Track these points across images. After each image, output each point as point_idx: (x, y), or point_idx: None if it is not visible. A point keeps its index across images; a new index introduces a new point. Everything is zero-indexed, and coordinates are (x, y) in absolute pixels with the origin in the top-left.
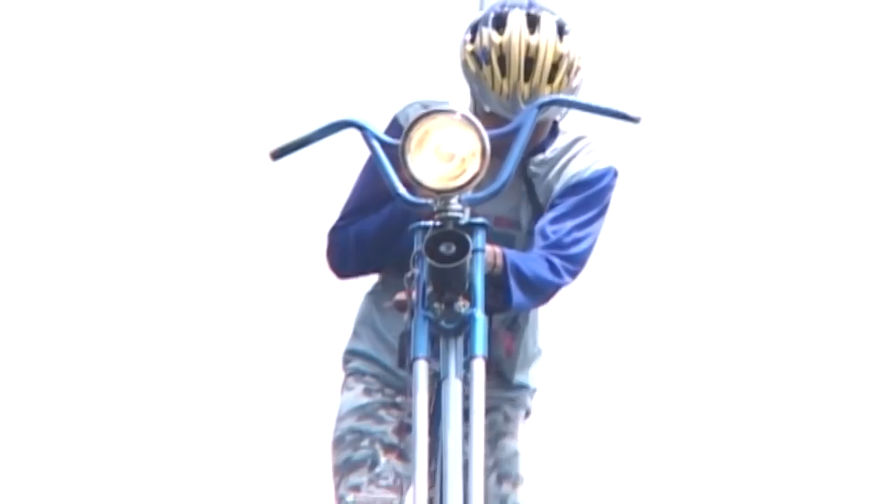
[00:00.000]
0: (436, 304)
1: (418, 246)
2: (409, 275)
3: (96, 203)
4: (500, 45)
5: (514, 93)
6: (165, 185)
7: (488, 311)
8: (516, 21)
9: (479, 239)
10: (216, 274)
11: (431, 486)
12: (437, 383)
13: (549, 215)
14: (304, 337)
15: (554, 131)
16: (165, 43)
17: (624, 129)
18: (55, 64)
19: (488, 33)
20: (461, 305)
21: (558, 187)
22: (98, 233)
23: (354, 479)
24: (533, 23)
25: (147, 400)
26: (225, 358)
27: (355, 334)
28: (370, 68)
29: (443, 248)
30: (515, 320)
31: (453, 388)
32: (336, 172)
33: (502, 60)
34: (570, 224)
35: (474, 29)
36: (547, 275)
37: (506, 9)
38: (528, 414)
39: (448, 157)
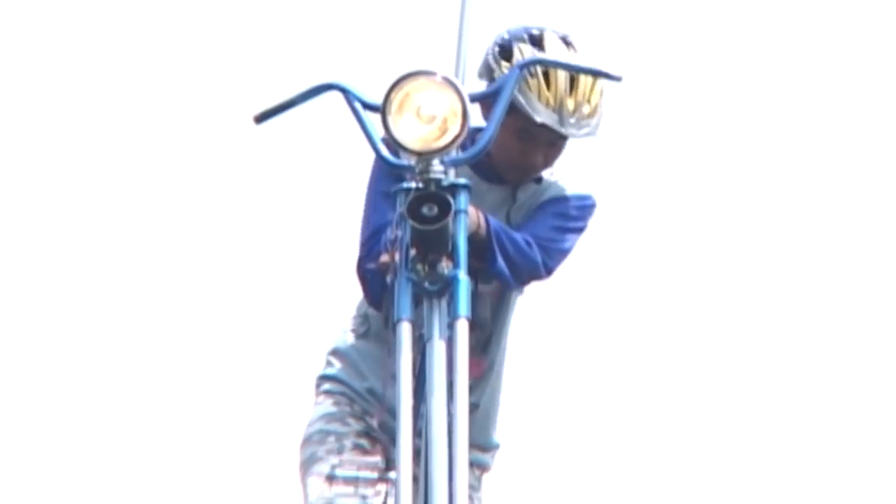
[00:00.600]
0: (419, 266)
1: (401, 208)
2: (391, 236)
3: (75, 170)
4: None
5: (561, 106)
6: (149, 149)
7: (471, 273)
8: (553, 40)
9: (461, 200)
10: (201, 241)
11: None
12: (420, 345)
13: (529, 220)
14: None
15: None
16: (149, 8)
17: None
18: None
19: (530, 49)
20: (444, 267)
21: (539, 202)
22: (78, 205)
23: (319, 467)
24: (567, 45)
25: (133, 382)
26: (216, 341)
27: (328, 363)
28: (354, 31)
29: (425, 210)
30: (489, 343)
31: (437, 349)
32: (319, 137)
33: (547, 74)
34: (550, 224)
35: (506, 49)
36: (527, 250)
37: (535, 31)
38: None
39: (429, 119)
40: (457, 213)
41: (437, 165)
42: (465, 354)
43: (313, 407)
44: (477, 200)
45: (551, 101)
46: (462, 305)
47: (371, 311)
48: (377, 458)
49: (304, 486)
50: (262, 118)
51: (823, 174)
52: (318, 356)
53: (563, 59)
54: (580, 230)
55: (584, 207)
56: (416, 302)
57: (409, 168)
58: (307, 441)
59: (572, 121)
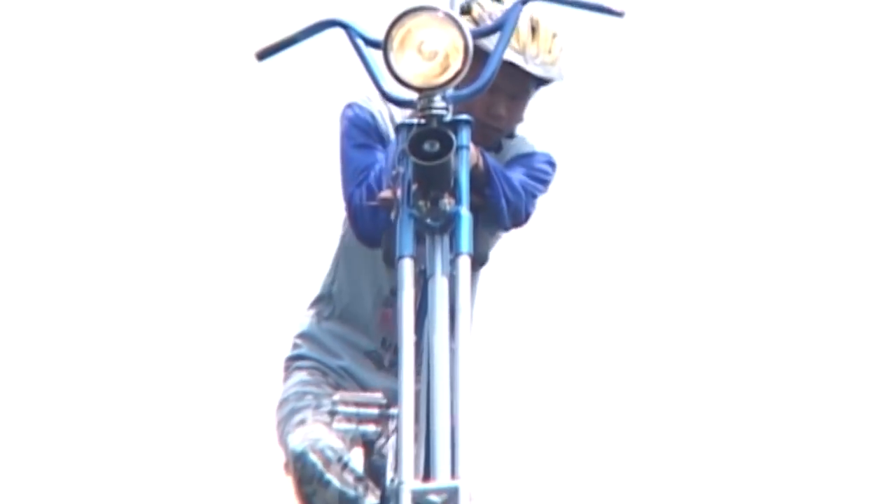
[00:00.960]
0: (421, 202)
1: (402, 144)
2: (394, 173)
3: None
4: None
5: (525, 49)
6: (151, 90)
7: (472, 209)
8: None
9: (463, 136)
10: (202, 187)
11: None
12: (422, 281)
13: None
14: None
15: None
16: None
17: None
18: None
19: (489, 4)
20: (446, 203)
21: (507, 160)
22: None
23: (299, 416)
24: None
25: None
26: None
27: (295, 346)
28: None
29: (427, 146)
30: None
31: (439, 285)
32: (321, 74)
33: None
34: (526, 172)
35: (466, 9)
36: (519, 189)
37: None
38: None
39: (431, 55)
40: (459, 149)
41: (438, 102)
42: (466, 290)
43: (283, 384)
44: None
45: (515, 44)
46: (464, 242)
47: (336, 289)
48: (378, 395)
49: (284, 439)
50: (263, 55)
51: (823, 172)
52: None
53: None
54: (547, 184)
55: (551, 164)
56: (418, 238)
57: (412, 104)
58: (284, 401)
59: (537, 61)
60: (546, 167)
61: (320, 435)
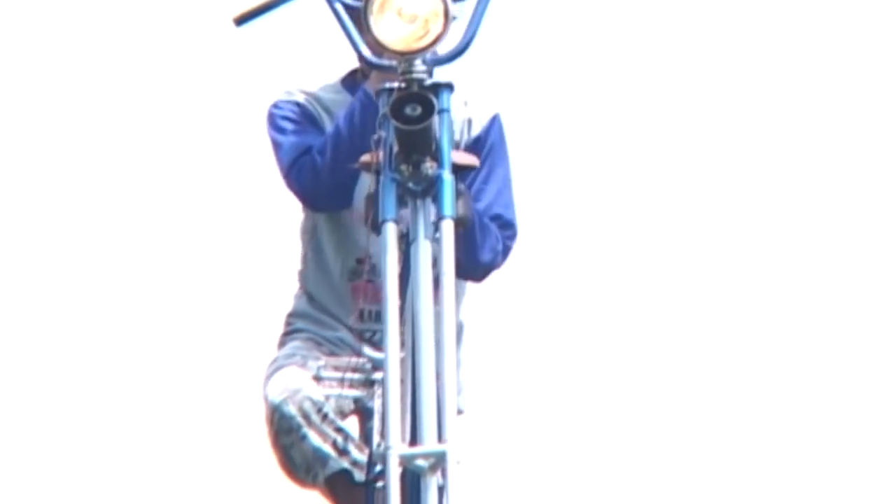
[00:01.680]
0: (403, 166)
1: (384, 108)
2: (375, 137)
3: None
4: None
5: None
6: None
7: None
8: None
9: (444, 100)
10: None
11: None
12: (405, 245)
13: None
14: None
15: None
16: None
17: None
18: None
19: None
20: (428, 167)
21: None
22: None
23: (283, 369)
24: None
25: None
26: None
27: (287, 324)
28: None
29: (408, 110)
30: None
31: (423, 249)
32: (299, 40)
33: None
34: (501, 191)
35: None
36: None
37: None
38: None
39: (411, 19)
40: (440, 112)
41: (419, 65)
42: (451, 254)
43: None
44: None
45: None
46: (447, 205)
47: (307, 273)
48: (363, 360)
49: (264, 390)
50: (241, 20)
51: (822, 170)
52: None
53: None
54: (506, 157)
55: (502, 128)
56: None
57: (392, 68)
58: (273, 361)
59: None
60: (499, 145)
61: (300, 385)
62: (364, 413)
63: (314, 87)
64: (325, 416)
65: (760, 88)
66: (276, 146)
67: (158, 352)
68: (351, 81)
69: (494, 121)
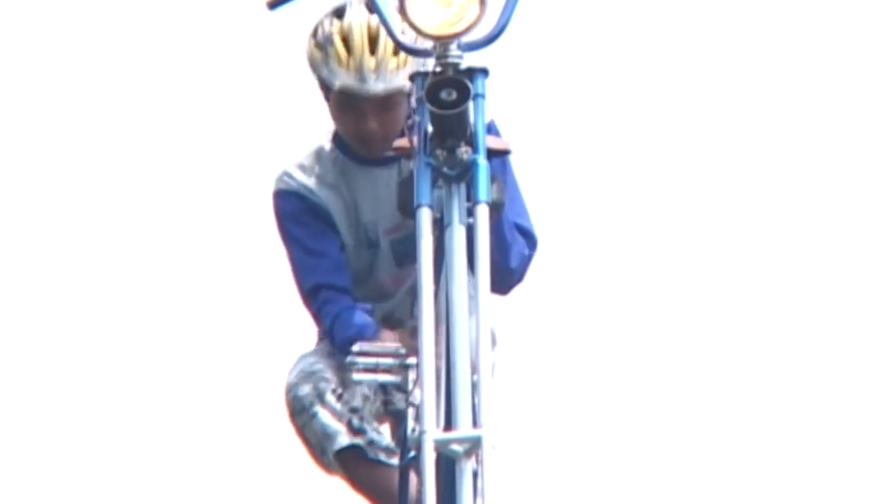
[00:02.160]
0: (438, 151)
1: (419, 93)
2: (409, 122)
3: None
4: (342, 27)
5: (361, 65)
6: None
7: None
8: (355, 7)
9: (479, 84)
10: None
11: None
12: (439, 230)
13: None
14: None
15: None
16: None
17: None
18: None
19: (329, 22)
20: (463, 151)
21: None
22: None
23: (308, 357)
24: (371, 9)
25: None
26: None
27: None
28: None
29: (443, 95)
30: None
31: (457, 234)
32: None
33: (346, 40)
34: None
35: (315, 28)
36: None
37: (343, 4)
38: None
39: (446, 3)
40: (475, 97)
41: (454, 50)
42: (485, 239)
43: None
44: (360, 186)
45: (350, 63)
46: (482, 190)
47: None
48: (397, 345)
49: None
50: (274, 4)
51: (822, 169)
52: None
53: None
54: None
55: (499, 135)
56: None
57: (427, 53)
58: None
59: (373, 76)
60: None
61: (317, 368)
62: (395, 417)
63: (309, 157)
64: (339, 396)
65: (768, 90)
66: (290, 260)
67: (159, 352)
68: (341, 139)
69: (490, 128)
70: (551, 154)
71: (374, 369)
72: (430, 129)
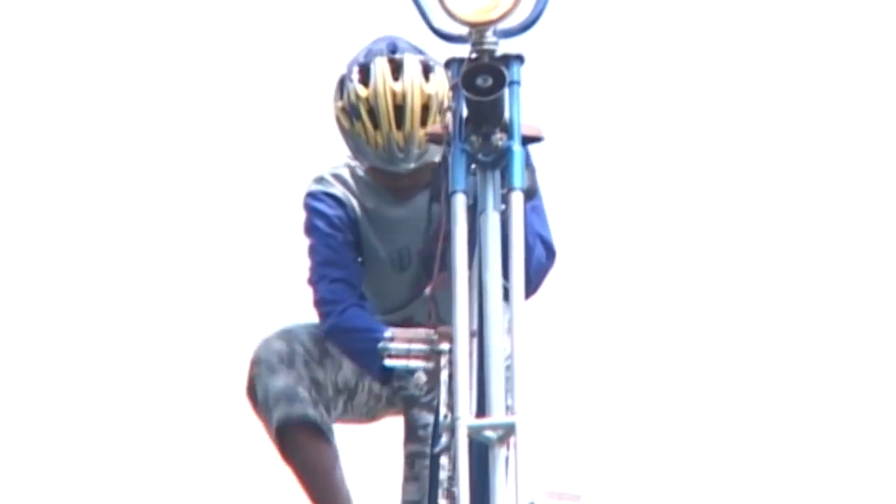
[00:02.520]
0: (473, 138)
1: (455, 79)
2: (445, 107)
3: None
4: (368, 99)
5: (389, 143)
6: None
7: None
8: (380, 71)
9: (515, 71)
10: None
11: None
12: (473, 217)
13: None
14: None
15: None
16: None
17: None
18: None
19: (354, 88)
20: (498, 138)
21: None
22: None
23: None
24: (396, 69)
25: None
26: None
27: None
28: None
29: (479, 81)
30: None
31: (491, 220)
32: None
33: (372, 113)
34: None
35: (341, 85)
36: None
37: (368, 58)
38: None
39: None
40: (511, 84)
41: (490, 37)
42: (520, 226)
43: None
44: (396, 213)
45: (379, 140)
46: (516, 177)
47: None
48: (430, 331)
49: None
50: None
51: (822, 168)
52: None
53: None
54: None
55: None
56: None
57: (463, 40)
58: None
59: (401, 155)
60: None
61: (297, 331)
62: (408, 403)
63: (345, 171)
64: (306, 364)
65: (776, 92)
66: (310, 253)
67: (159, 352)
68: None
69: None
70: (585, 142)
71: (405, 355)
72: (465, 115)
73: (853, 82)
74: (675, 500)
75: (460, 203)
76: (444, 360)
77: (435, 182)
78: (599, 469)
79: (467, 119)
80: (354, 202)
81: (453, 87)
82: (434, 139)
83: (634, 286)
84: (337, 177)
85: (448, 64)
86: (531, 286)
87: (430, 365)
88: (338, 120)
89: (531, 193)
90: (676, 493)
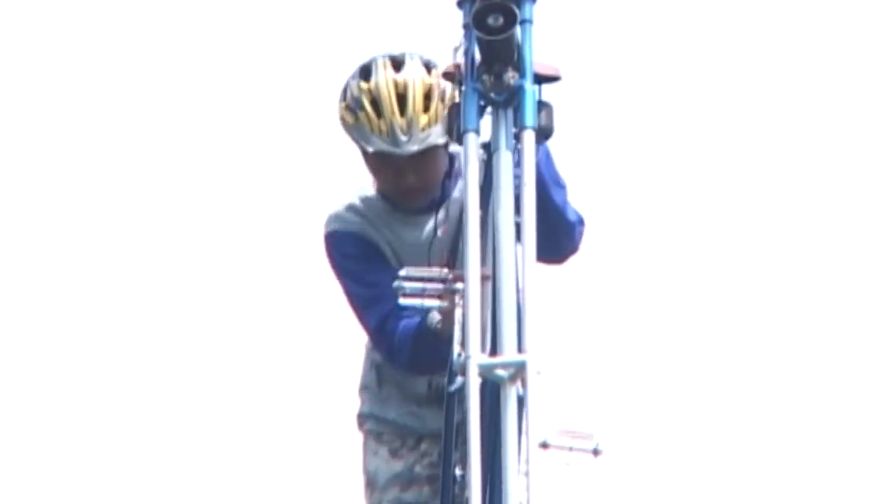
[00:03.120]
0: (485, 76)
1: (466, 18)
2: (457, 46)
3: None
4: (370, 90)
5: (393, 128)
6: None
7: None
8: (380, 65)
9: (527, 10)
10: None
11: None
12: (487, 155)
13: None
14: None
15: (452, 162)
16: None
17: None
18: None
19: (356, 84)
20: (510, 77)
21: None
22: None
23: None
24: (398, 64)
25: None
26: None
27: (361, 400)
28: None
29: (490, 20)
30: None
31: (504, 159)
32: None
33: (375, 103)
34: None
35: (344, 89)
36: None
37: (369, 60)
38: None
39: None
40: (523, 22)
41: None
42: (531, 164)
43: (366, 454)
44: (406, 234)
45: (383, 126)
46: (528, 115)
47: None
48: (444, 270)
49: None
50: None
51: (822, 168)
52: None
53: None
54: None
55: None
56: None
57: None
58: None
59: (404, 138)
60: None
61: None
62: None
63: (355, 198)
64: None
65: (759, 87)
66: (350, 297)
67: (160, 352)
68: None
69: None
70: (603, 81)
71: (420, 294)
72: (477, 54)
73: (861, 82)
74: (686, 436)
75: (472, 142)
76: (458, 299)
77: (449, 124)
78: (612, 407)
79: (479, 58)
80: (371, 230)
81: (465, 27)
82: (446, 78)
83: (647, 226)
84: (349, 208)
85: (460, 3)
86: (574, 242)
87: (445, 304)
88: (342, 119)
89: (547, 133)
90: (688, 429)
